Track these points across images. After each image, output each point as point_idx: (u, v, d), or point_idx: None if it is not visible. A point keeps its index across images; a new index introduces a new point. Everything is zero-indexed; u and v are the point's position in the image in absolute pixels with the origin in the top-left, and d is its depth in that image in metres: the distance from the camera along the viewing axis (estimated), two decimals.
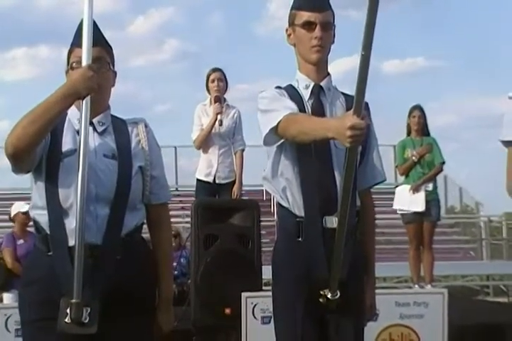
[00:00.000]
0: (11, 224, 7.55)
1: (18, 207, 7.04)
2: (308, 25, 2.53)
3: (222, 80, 6.07)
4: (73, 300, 2.22)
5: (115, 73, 2.50)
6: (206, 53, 35.12)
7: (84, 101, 2.29)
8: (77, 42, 2.37)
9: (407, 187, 6.70)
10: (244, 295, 4.05)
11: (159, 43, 41.80)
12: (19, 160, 2.30)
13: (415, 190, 6.62)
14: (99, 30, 2.42)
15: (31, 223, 2.53)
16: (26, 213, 6.50)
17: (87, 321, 2.22)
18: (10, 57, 36.74)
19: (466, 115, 45.50)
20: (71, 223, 2.28)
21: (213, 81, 6.04)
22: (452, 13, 40.60)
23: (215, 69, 6.10)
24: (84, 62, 2.30)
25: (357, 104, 2.14)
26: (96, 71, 2.28)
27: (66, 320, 2.22)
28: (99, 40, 2.40)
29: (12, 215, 7.17)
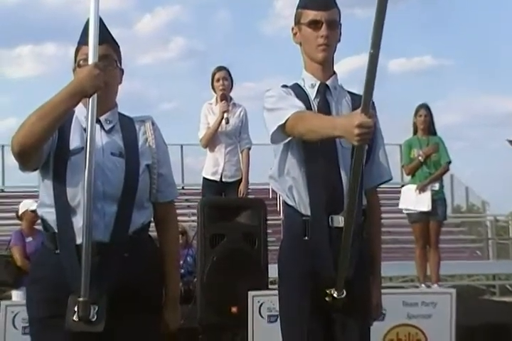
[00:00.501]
0: (17, 221, 7.57)
1: (27, 205, 7.04)
2: (314, 24, 2.52)
3: (227, 79, 6.07)
4: (81, 298, 2.23)
5: (122, 71, 2.50)
6: (213, 51, 35.13)
7: (90, 99, 2.29)
8: (84, 40, 2.37)
9: (413, 186, 6.69)
10: (250, 293, 4.05)
11: (166, 41, 41.83)
12: (26, 159, 2.30)
13: (421, 189, 6.61)
14: (106, 27, 2.43)
15: (39, 221, 2.54)
16: (35, 211, 6.50)
17: (94, 319, 2.23)
18: (16, 54, 36.82)
19: (472, 114, 45.44)
20: (79, 221, 2.28)
21: (218, 80, 6.04)
22: (460, 11, 40.53)
23: (220, 68, 6.09)
24: (90, 60, 2.31)
25: (365, 102, 2.14)
26: (102, 69, 2.28)
27: (74, 318, 2.23)
28: (106, 37, 2.40)
29: (20, 213, 7.19)
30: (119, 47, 2.49)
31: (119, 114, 2.50)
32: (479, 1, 40.03)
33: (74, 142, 2.37)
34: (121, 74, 2.50)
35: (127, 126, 2.47)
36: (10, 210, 10.43)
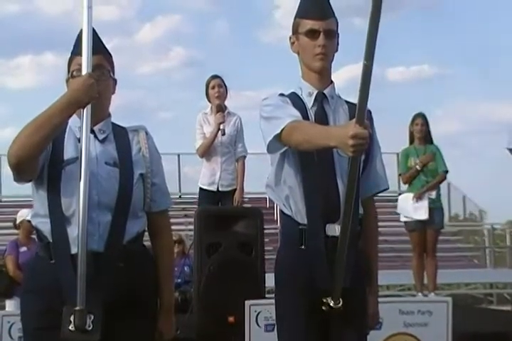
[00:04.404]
0: (15, 231, 7.56)
1: (24, 215, 7.04)
2: (312, 33, 2.53)
3: (222, 86, 6.08)
4: (77, 308, 2.22)
5: (115, 81, 2.51)
6: (212, 61, 35.19)
7: (85, 110, 2.30)
8: (77, 50, 2.39)
9: (410, 195, 6.69)
10: (247, 303, 4.04)
11: (165, 51, 41.83)
12: (22, 170, 2.30)
13: (418, 198, 6.62)
14: (99, 38, 2.44)
15: None
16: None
17: (90, 328, 2.22)
18: (15, 64, 36.86)
19: (470, 122, 45.48)
20: (73, 231, 2.28)
21: (214, 87, 6.05)
22: (459, 20, 40.63)
23: (214, 76, 6.12)
24: (84, 71, 2.32)
25: (359, 113, 2.14)
26: (96, 79, 2.30)
27: (70, 327, 2.22)
28: (99, 48, 2.41)
29: (17, 222, 7.19)
30: (111, 57, 2.50)
31: (113, 123, 2.50)
32: (478, 10, 40.19)
33: (68, 152, 2.37)
34: (115, 84, 2.51)
35: (121, 135, 2.47)
36: (7, 220, 10.40)
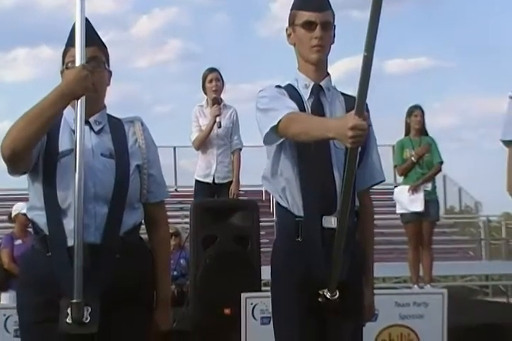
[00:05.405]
0: (10, 224, 7.57)
1: (19, 208, 7.05)
2: (309, 25, 2.53)
3: (220, 80, 6.10)
4: (74, 300, 2.22)
5: (110, 73, 2.51)
6: (208, 54, 35.12)
7: (79, 101, 2.29)
8: (71, 42, 2.37)
9: (406, 187, 6.70)
10: (243, 295, 4.04)
11: (162, 43, 41.80)
12: (16, 163, 2.29)
13: (414, 190, 6.63)
14: (93, 29, 2.43)
15: None
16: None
17: (88, 321, 2.22)
18: (12, 57, 36.82)
19: (467, 115, 45.62)
20: (70, 223, 2.28)
21: (211, 81, 6.06)
22: (458, 12, 40.63)
23: (212, 70, 6.12)
24: (77, 62, 2.31)
25: (359, 104, 2.14)
26: (90, 70, 2.29)
27: (67, 320, 2.22)
28: (94, 39, 2.40)
29: (13, 216, 7.20)
30: (106, 48, 2.49)
31: (108, 115, 2.50)
32: (479, 2, 40.15)
33: (63, 144, 2.36)
34: (110, 75, 2.50)
35: (116, 127, 2.47)
36: (2, 213, 10.39)
